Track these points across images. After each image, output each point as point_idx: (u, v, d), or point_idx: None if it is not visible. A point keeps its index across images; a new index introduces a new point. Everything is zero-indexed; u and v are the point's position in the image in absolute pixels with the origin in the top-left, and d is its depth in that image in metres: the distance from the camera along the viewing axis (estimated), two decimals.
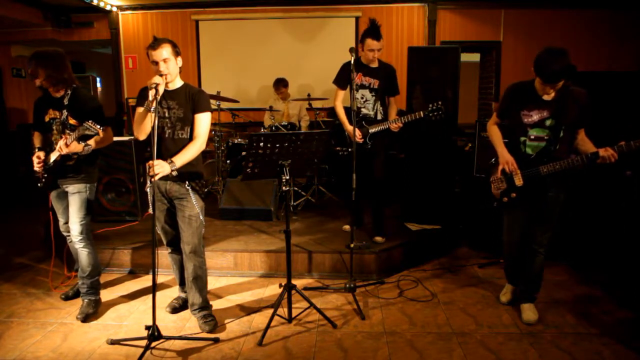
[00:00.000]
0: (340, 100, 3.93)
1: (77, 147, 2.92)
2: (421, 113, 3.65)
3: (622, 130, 3.14)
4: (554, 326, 2.94)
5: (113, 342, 2.74)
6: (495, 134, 3.04)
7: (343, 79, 3.86)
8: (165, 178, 2.77)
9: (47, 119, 3.05)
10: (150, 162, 2.55)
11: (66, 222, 3.22)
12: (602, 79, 4.99)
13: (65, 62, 3.00)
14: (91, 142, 2.98)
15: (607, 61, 6.45)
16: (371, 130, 3.77)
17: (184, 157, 2.71)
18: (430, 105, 3.62)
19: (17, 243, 4.67)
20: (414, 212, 4.51)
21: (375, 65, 3.79)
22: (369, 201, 4.06)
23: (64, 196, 3.14)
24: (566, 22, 6.47)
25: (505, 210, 3.04)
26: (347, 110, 3.85)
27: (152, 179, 2.58)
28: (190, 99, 2.78)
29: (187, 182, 2.81)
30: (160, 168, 2.58)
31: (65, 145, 2.87)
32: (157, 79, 2.58)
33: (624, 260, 3.65)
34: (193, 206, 2.83)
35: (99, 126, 2.78)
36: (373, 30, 3.64)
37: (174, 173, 2.68)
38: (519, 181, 2.85)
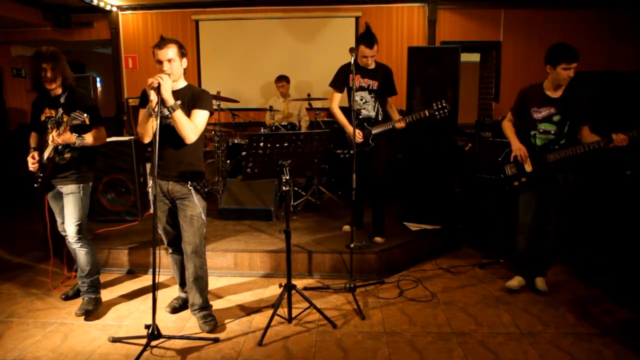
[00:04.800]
0: (336, 103, 3.87)
1: (70, 137, 2.89)
2: (426, 112, 3.62)
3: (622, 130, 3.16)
4: (554, 326, 2.94)
5: (115, 340, 2.75)
6: (508, 128, 3.40)
7: (340, 81, 3.81)
8: (165, 178, 2.78)
9: (42, 118, 3.04)
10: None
11: (63, 222, 3.19)
12: (602, 78, 4.99)
13: (65, 60, 3.01)
14: (85, 136, 2.96)
15: (607, 61, 6.44)
16: (374, 132, 3.75)
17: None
18: (434, 104, 3.59)
19: (17, 243, 4.66)
20: (414, 212, 4.51)
21: (372, 66, 3.75)
22: (370, 201, 4.04)
23: (59, 197, 3.12)
24: (566, 22, 6.47)
25: (519, 193, 3.38)
26: (344, 110, 3.83)
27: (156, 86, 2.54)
28: (191, 99, 2.78)
29: (189, 182, 2.81)
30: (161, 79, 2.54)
31: (58, 135, 2.84)
32: (154, 82, 2.52)
33: (624, 260, 3.65)
34: (195, 206, 2.83)
35: (85, 114, 2.74)
36: (366, 37, 3.59)
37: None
38: (528, 167, 3.26)
